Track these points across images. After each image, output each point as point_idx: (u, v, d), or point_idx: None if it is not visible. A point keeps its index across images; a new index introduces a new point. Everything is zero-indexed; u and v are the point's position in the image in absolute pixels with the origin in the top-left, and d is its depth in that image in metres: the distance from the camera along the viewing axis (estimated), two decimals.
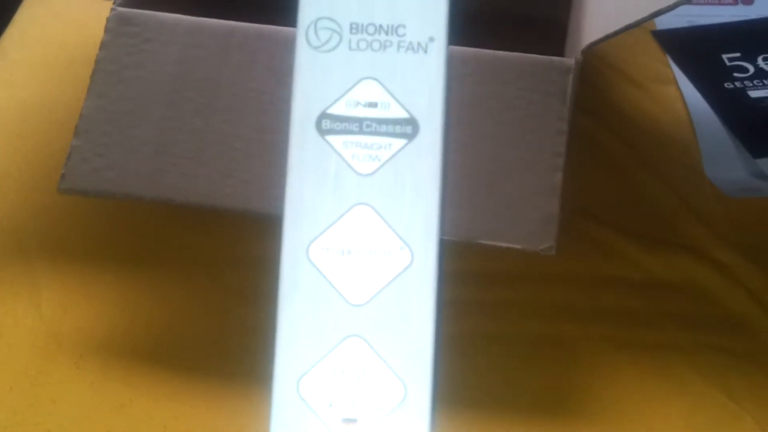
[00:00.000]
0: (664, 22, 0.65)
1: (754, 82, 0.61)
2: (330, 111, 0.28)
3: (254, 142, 0.39)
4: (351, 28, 0.28)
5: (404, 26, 0.28)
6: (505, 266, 0.48)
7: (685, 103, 0.59)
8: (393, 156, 0.27)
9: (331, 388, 0.26)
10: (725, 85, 0.61)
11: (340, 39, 0.28)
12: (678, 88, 0.60)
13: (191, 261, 0.49)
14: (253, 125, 0.39)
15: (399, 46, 0.28)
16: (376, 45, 0.28)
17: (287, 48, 0.40)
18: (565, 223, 0.37)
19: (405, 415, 0.26)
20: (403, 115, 0.28)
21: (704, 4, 0.67)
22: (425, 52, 0.28)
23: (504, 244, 0.37)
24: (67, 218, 0.51)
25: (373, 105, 0.28)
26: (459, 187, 0.38)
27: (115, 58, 0.41)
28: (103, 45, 0.41)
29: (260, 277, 0.48)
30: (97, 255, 0.49)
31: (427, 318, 0.27)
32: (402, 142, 0.27)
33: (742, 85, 0.61)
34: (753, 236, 0.51)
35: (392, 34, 0.28)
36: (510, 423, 0.43)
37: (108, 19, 0.41)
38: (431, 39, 0.28)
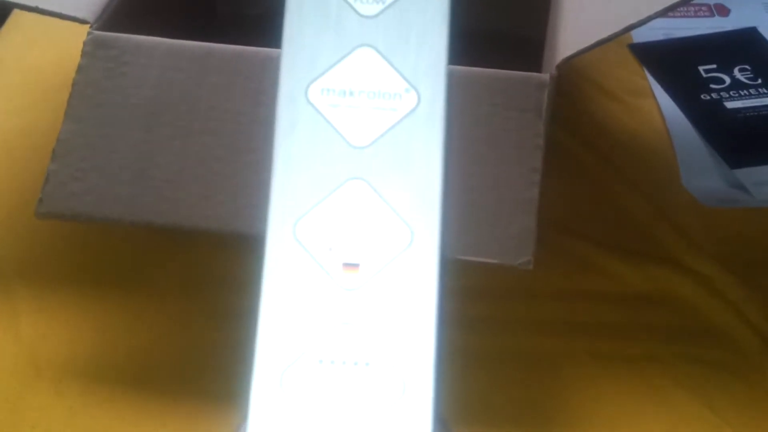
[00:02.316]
0: (641, 35, 0.66)
1: (731, 93, 0.62)
2: None
3: (233, 163, 0.39)
4: None
5: None
6: (483, 281, 0.48)
7: (662, 115, 0.60)
8: None
9: (331, 232, 0.25)
10: (702, 96, 0.62)
11: None
12: (655, 100, 0.61)
13: (172, 283, 0.49)
14: (232, 147, 0.39)
15: None
16: None
17: (265, 69, 0.40)
18: (542, 237, 0.37)
19: (411, 260, 0.25)
20: None
21: (680, 16, 0.68)
22: None
23: (481, 259, 0.37)
24: (46, 243, 0.50)
25: None
26: None
27: (92, 82, 0.41)
28: (80, 69, 0.41)
29: (242, 297, 0.48)
30: (76, 279, 0.49)
31: (435, 161, 0.25)
32: None
33: (719, 97, 0.61)
34: (731, 246, 0.51)
35: None
36: None
37: (85, 43, 0.41)
38: None
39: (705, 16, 0.69)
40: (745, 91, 0.62)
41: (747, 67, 0.64)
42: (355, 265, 0.25)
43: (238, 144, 0.39)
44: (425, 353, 0.24)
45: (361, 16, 0.26)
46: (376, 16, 0.26)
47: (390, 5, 0.26)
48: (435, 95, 0.26)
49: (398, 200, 0.25)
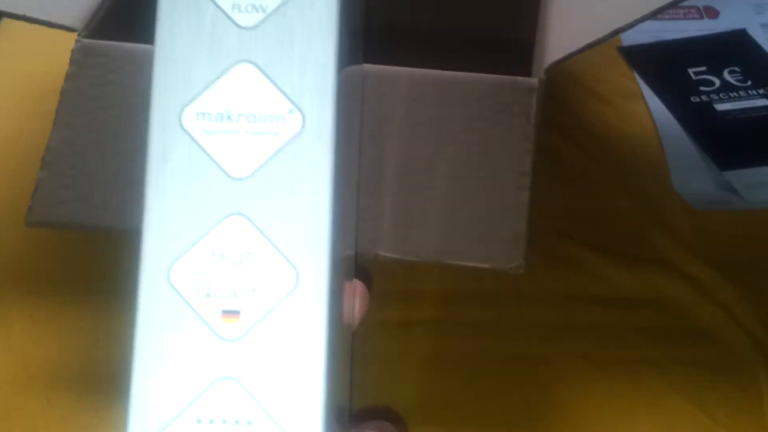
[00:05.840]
0: (630, 38, 0.66)
1: (720, 95, 0.62)
2: None
3: None
4: None
5: None
6: (474, 286, 0.48)
7: (652, 118, 0.60)
8: (280, 6, 0.24)
9: (209, 276, 0.23)
10: (691, 98, 0.62)
11: None
12: (645, 103, 0.61)
13: None
14: None
15: None
16: None
17: None
18: (534, 241, 0.37)
19: (297, 305, 0.23)
20: None
21: (669, 19, 0.68)
22: None
23: (473, 264, 0.37)
24: (37, 251, 0.50)
25: None
26: (425, 207, 0.38)
27: (81, 90, 0.41)
28: (69, 77, 0.41)
29: None
30: (67, 287, 0.49)
31: (322, 191, 0.23)
32: None
33: (709, 99, 0.62)
34: (722, 248, 0.52)
35: None
36: None
37: (73, 51, 0.41)
38: None
39: (694, 19, 0.69)
40: (735, 93, 0.62)
41: (737, 69, 0.64)
42: (236, 313, 0.23)
43: None
44: (312, 410, 0.22)
45: (240, 27, 0.24)
46: (256, 26, 0.24)
47: (271, 14, 0.24)
48: (322, 115, 0.23)
49: (282, 237, 0.23)
